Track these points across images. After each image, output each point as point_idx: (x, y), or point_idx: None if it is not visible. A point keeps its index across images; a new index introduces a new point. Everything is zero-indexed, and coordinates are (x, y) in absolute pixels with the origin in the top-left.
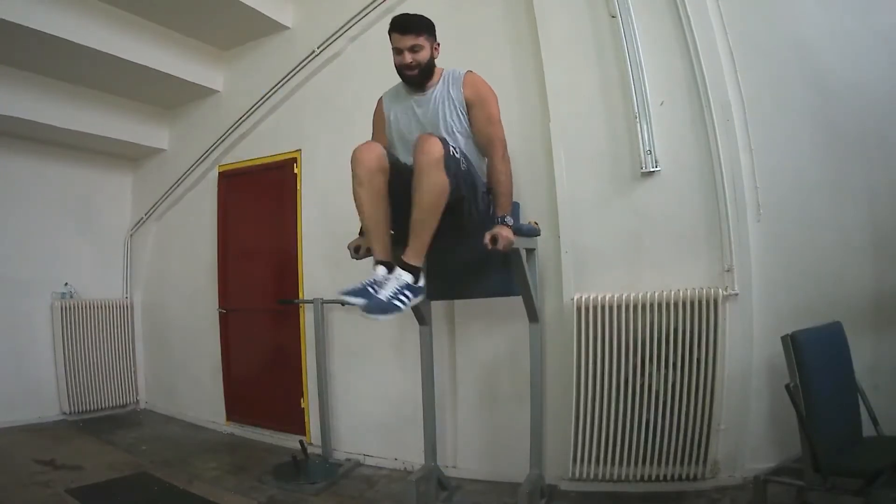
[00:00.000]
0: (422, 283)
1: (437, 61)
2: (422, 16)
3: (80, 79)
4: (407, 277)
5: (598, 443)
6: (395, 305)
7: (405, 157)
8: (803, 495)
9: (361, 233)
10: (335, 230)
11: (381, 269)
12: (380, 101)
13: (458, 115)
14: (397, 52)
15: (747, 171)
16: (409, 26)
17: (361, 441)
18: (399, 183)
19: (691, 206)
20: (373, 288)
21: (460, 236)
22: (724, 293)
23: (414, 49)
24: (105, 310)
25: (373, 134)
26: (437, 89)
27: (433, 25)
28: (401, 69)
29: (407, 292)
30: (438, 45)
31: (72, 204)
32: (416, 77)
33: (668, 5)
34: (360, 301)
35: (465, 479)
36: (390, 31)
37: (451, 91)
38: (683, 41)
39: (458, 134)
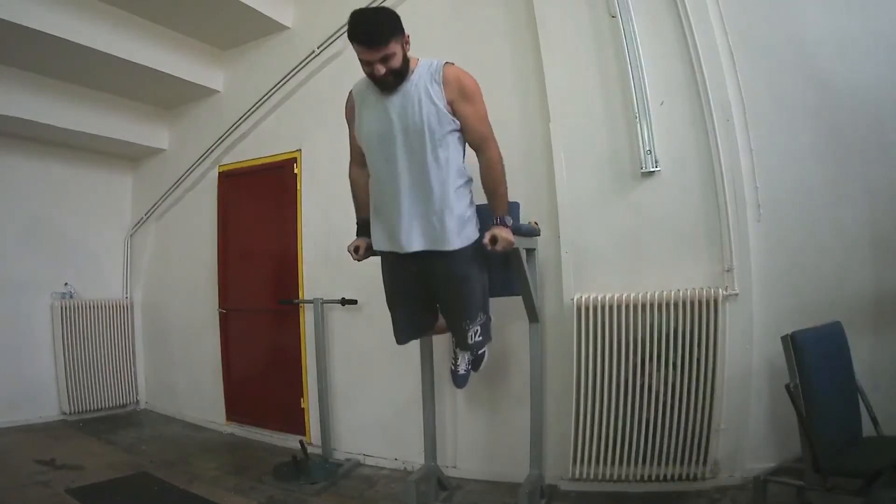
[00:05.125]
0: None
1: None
2: (383, 15)
3: (80, 79)
4: (467, 352)
5: (598, 443)
6: (469, 373)
7: (380, 165)
8: (803, 495)
9: (360, 233)
10: (335, 230)
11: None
12: (350, 94)
13: (439, 114)
14: (366, 63)
15: (747, 171)
16: (375, 38)
17: (361, 441)
18: (407, 271)
19: (691, 206)
20: (454, 365)
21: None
22: (724, 293)
23: (385, 59)
24: (105, 310)
25: (349, 131)
26: (412, 84)
27: (398, 20)
28: (373, 78)
29: (473, 356)
30: (408, 37)
31: (72, 204)
32: (392, 83)
33: (668, 5)
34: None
35: (465, 479)
36: (351, 41)
37: (430, 88)
38: (683, 41)
39: (444, 137)
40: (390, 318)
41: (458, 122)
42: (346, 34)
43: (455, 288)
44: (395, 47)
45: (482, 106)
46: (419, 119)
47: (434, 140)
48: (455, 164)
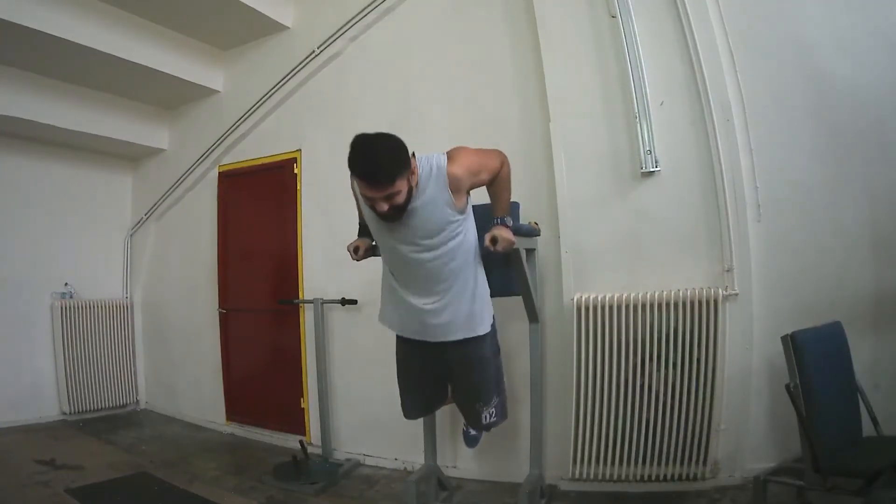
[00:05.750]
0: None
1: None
2: (389, 151)
3: (80, 79)
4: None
5: (598, 443)
6: (481, 434)
7: (394, 266)
8: (803, 495)
9: (361, 233)
10: (335, 230)
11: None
12: (352, 179)
13: (451, 219)
14: (367, 199)
15: (747, 171)
16: (379, 178)
17: (361, 441)
18: (423, 352)
19: (691, 206)
20: (466, 427)
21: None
22: (724, 293)
23: (389, 197)
24: (105, 310)
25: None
26: (420, 201)
27: (404, 153)
28: (374, 212)
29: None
30: (414, 167)
31: (72, 204)
32: (395, 217)
33: (668, 5)
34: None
35: (465, 479)
36: (352, 173)
37: (438, 198)
38: (683, 41)
39: (459, 235)
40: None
41: (468, 209)
42: (346, 34)
43: (471, 372)
44: (400, 185)
45: (483, 159)
46: (432, 231)
47: (450, 245)
48: (472, 257)
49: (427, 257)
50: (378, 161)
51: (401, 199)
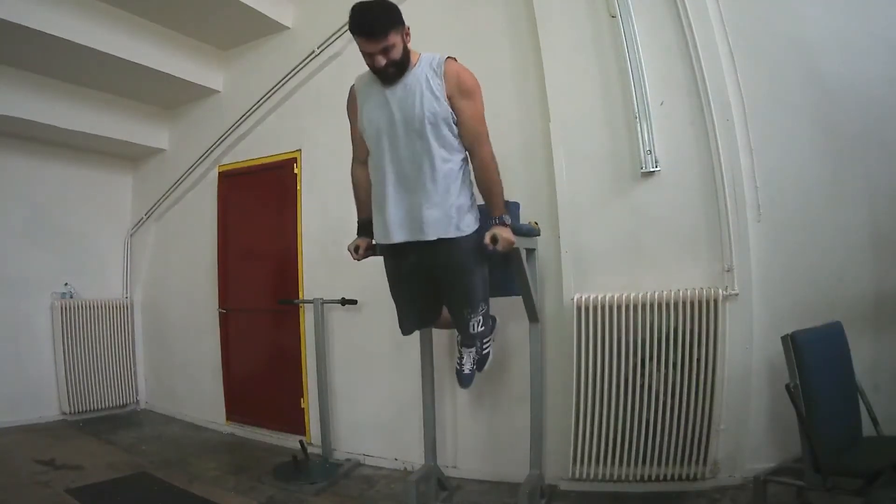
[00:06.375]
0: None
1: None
2: (383, 7)
3: (80, 79)
4: (472, 351)
5: (598, 443)
6: (473, 373)
7: (380, 154)
8: (803, 495)
9: (360, 232)
10: (335, 230)
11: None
12: (352, 89)
13: (440, 106)
14: (367, 55)
15: (747, 171)
16: (374, 29)
17: (361, 441)
18: (407, 262)
19: (691, 206)
20: (460, 364)
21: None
22: (724, 293)
23: (386, 51)
24: (105, 310)
25: (350, 127)
26: (413, 76)
27: (397, 11)
28: (374, 70)
29: (479, 356)
30: (408, 28)
31: (72, 204)
32: (393, 74)
33: (668, 5)
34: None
35: (465, 479)
36: (352, 33)
37: (431, 81)
38: (683, 41)
39: (445, 128)
40: (395, 311)
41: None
42: (345, 34)
43: (455, 278)
44: (394, 39)
45: (480, 105)
46: (419, 110)
47: (435, 131)
48: (455, 155)
49: (411, 140)
50: (372, 15)
51: (396, 53)
